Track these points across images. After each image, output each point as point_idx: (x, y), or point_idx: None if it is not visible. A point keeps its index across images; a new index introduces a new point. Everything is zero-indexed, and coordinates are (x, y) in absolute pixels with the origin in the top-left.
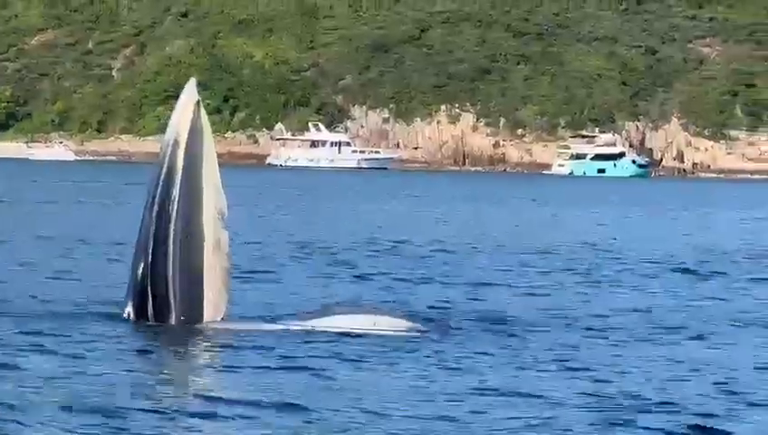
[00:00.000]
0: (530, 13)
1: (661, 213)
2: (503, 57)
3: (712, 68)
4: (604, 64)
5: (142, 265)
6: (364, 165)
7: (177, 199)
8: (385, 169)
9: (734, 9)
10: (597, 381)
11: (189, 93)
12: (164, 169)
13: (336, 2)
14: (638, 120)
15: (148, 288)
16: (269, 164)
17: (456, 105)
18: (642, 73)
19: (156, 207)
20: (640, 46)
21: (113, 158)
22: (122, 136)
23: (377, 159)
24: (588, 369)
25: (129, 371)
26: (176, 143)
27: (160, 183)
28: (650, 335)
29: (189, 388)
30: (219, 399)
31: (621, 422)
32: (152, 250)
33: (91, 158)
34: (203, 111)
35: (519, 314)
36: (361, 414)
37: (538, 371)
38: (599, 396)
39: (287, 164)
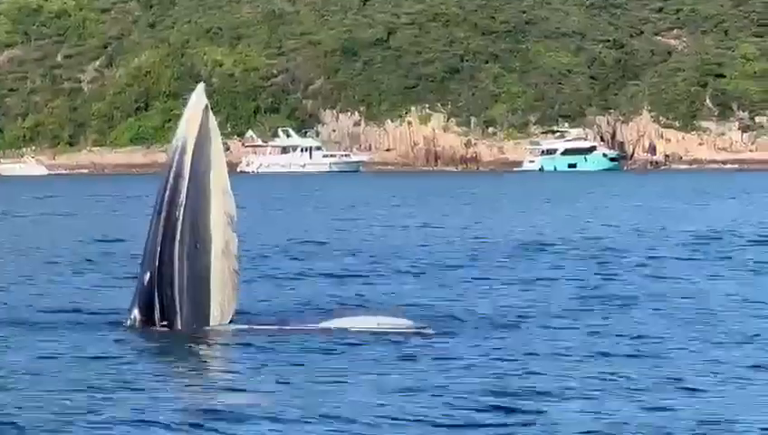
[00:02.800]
0: (497, 11)
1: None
2: (471, 56)
3: (680, 60)
4: (573, 60)
5: (149, 270)
6: (335, 169)
7: (183, 205)
8: (357, 171)
9: (699, 0)
10: (601, 375)
11: (198, 98)
12: (171, 175)
13: (302, 7)
14: (609, 114)
15: (155, 293)
16: (241, 171)
17: (427, 106)
18: (611, 67)
19: (163, 213)
20: (608, 40)
21: (85, 171)
22: (94, 148)
23: (348, 162)
24: (593, 363)
25: (137, 377)
26: (183, 149)
27: (167, 189)
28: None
29: (200, 393)
30: (237, 403)
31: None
32: (159, 255)
33: (64, 171)
34: (211, 116)
35: (522, 310)
36: (375, 416)
37: (551, 366)
38: (605, 391)
39: (259, 171)
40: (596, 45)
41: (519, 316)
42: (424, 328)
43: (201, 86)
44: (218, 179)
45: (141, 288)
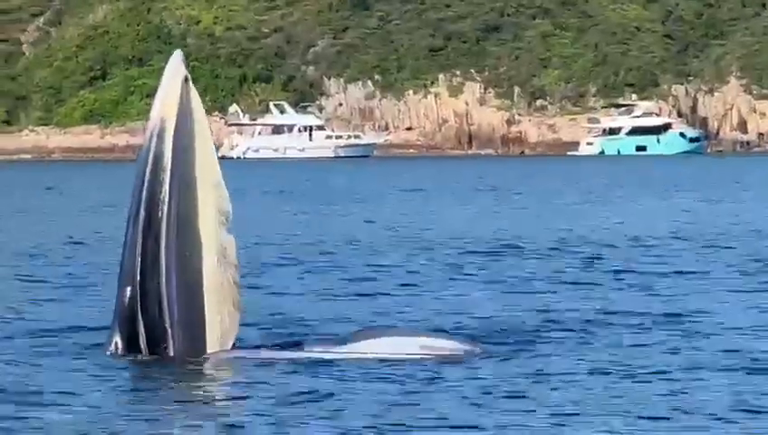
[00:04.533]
0: None
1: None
2: (514, 10)
3: None
4: (642, 13)
5: (129, 286)
6: (342, 153)
7: (166, 202)
8: (367, 156)
9: None
10: (672, 390)
11: (175, 68)
12: (148, 167)
13: None
14: (688, 83)
15: (139, 315)
16: (223, 156)
17: (458, 73)
18: (691, 23)
19: (142, 215)
20: None
21: (28, 156)
22: (38, 128)
23: (358, 145)
24: (667, 378)
25: (118, 417)
26: (161, 132)
27: (145, 184)
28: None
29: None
30: None
31: None
32: (140, 267)
33: (0, 157)
34: (193, 90)
35: (579, 322)
36: None
37: (615, 384)
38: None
39: (246, 156)
40: None
41: (580, 328)
42: (473, 349)
43: (178, 53)
44: (207, 169)
45: (121, 309)
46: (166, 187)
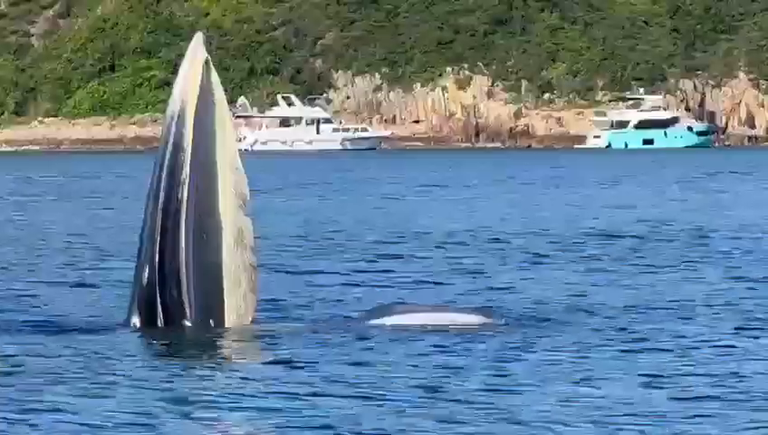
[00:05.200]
0: None
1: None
2: (522, 3)
3: None
4: (651, 8)
5: (148, 265)
6: (349, 146)
7: (186, 183)
8: (375, 149)
9: None
10: (679, 362)
11: (196, 51)
12: (169, 148)
13: None
14: (696, 77)
15: (157, 293)
16: None
17: (466, 66)
18: (699, 17)
19: (161, 195)
20: None
21: (37, 147)
22: (47, 120)
23: (365, 137)
24: (672, 352)
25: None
26: (181, 114)
27: (165, 165)
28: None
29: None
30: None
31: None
32: (160, 247)
33: (10, 149)
34: (214, 73)
35: (601, 302)
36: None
37: (635, 361)
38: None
39: (254, 148)
40: None
41: (600, 308)
42: (495, 322)
43: (199, 36)
44: (226, 152)
45: (140, 289)
46: (186, 168)
